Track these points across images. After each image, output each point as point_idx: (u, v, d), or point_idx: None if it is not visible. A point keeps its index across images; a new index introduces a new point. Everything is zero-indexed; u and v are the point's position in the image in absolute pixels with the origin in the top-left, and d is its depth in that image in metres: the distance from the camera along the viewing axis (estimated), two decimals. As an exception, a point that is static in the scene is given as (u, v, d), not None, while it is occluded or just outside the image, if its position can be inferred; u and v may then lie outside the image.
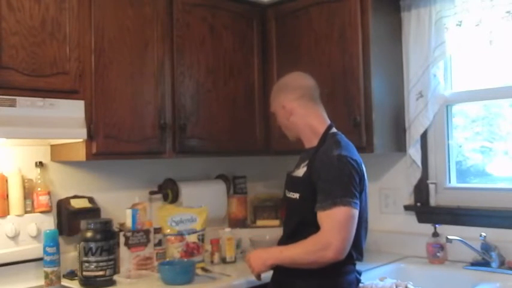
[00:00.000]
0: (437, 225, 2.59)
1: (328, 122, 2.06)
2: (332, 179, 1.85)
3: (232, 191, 3.11)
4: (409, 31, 2.73)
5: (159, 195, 2.81)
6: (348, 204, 1.82)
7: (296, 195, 1.98)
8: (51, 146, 2.43)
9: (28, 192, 2.31)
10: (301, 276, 1.92)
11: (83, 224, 2.23)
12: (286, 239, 2.03)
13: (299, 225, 1.96)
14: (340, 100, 2.61)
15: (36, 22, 2.06)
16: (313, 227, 1.88)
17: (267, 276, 2.10)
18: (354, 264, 1.97)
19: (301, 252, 1.88)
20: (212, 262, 2.57)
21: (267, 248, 2.14)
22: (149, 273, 2.31)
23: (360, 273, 2.02)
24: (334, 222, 1.81)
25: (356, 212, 1.85)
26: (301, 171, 2.00)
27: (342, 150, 1.91)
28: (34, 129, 2.04)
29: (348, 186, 1.85)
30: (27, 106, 2.00)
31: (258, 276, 2.04)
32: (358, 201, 1.86)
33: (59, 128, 2.09)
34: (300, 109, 2.05)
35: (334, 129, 2.04)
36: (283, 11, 2.89)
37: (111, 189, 2.62)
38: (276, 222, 2.97)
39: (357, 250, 1.94)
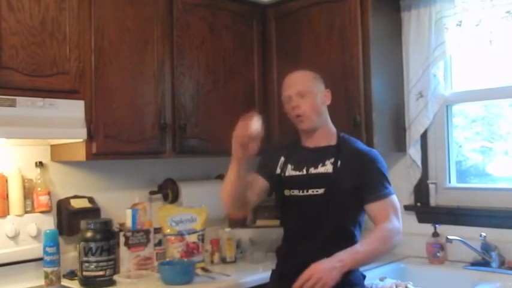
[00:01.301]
0: (437, 225, 2.59)
1: None
2: (384, 171, 1.98)
3: (232, 191, 3.11)
4: (409, 31, 2.74)
5: (159, 195, 2.80)
6: (394, 192, 1.98)
7: (320, 191, 1.94)
8: (51, 146, 2.43)
9: (28, 192, 2.31)
10: None
11: (83, 224, 2.23)
12: (326, 242, 1.91)
13: (338, 227, 1.94)
14: (340, 100, 2.61)
15: (36, 22, 2.06)
16: (351, 224, 1.97)
17: (266, 276, 2.11)
18: None
19: (379, 245, 1.88)
20: (212, 262, 2.57)
21: (333, 257, 1.79)
22: (149, 273, 2.31)
23: None
24: (396, 209, 1.95)
25: None
26: (328, 168, 1.96)
27: (367, 147, 2.08)
28: (34, 129, 2.04)
29: (388, 177, 2.00)
30: (27, 106, 2.00)
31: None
32: None
33: (59, 128, 2.09)
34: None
35: None
36: (283, 11, 2.89)
37: (111, 189, 2.62)
38: (276, 222, 2.96)
39: None
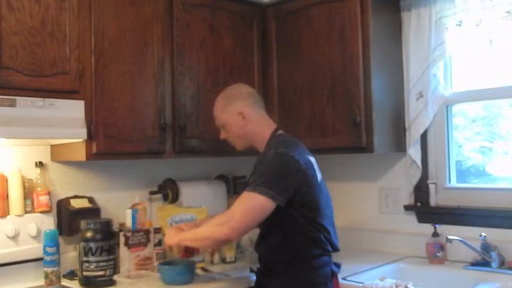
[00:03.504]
0: (437, 225, 2.59)
1: (274, 125, 2.14)
2: (261, 172, 1.92)
3: (232, 191, 3.11)
4: (409, 31, 2.73)
5: (159, 195, 2.81)
6: (265, 195, 1.84)
7: None
8: (51, 146, 2.43)
9: (28, 192, 2.31)
10: (274, 275, 1.98)
11: (83, 224, 2.23)
12: (261, 239, 2.10)
13: (269, 225, 1.98)
14: (340, 100, 2.61)
15: (36, 22, 2.06)
16: (279, 227, 1.94)
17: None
18: (330, 256, 2.01)
19: (205, 226, 1.99)
20: (212, 262, 2.57)
21: (186, 231, 2.12)
22: (149, 273, 2.31)
23: (338, 265, 2.05)
24: (242, 204, 1.88)
25: (271, 205, 1.86)
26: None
27: (280, 148, 1.95)
28: (34, 129, 2.04)
29: (274, 179, 1.88)
30: (27, 106, 2.00)
31: (169, 247, 2.15)
32: (283, 198, 1.87)
33: (59, 128, 2.09)
34: (255, 115, 2.11)
35: (279, 131, 2.11)
36: (283, 11, 2.89)
37: (111, 189, 2.62)
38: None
39: (329, 243, 1.99)
